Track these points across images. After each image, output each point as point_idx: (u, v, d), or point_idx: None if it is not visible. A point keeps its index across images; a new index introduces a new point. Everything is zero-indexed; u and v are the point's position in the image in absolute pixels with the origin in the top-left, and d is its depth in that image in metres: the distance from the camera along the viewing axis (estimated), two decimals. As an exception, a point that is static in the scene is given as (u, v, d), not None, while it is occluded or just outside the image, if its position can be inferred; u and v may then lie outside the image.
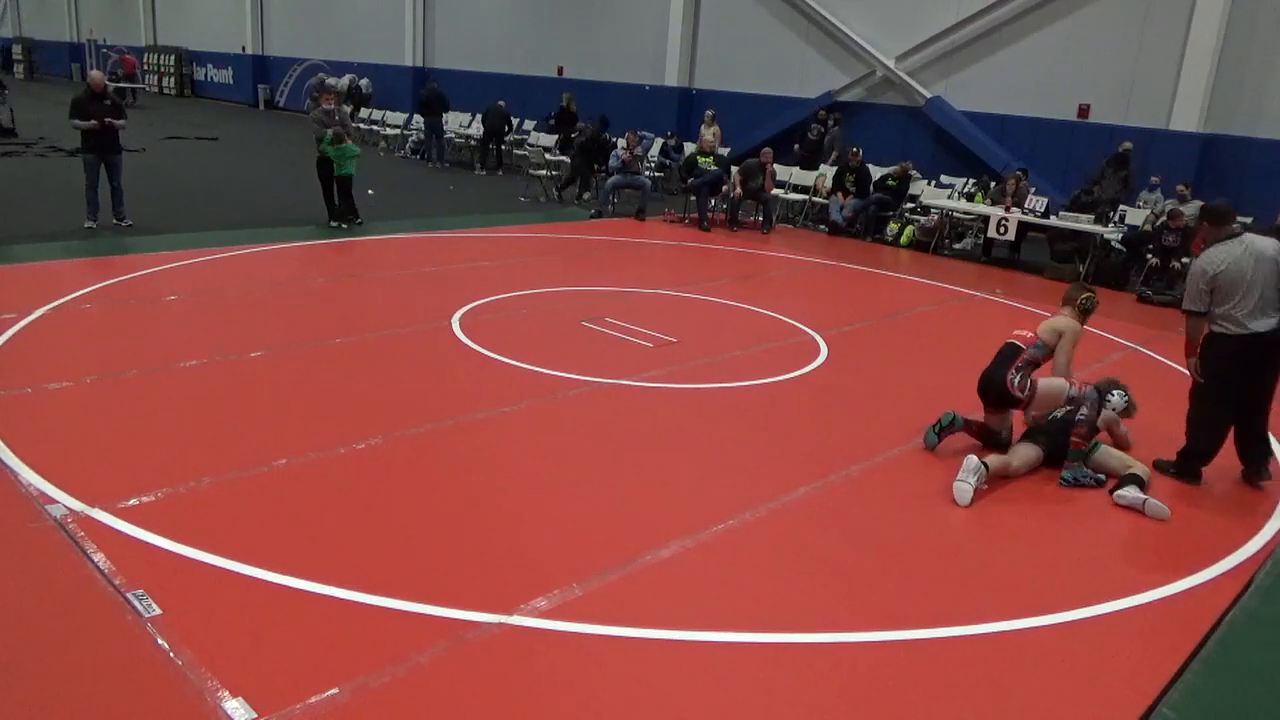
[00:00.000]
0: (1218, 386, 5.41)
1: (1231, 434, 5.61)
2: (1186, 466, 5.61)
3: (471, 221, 12.84)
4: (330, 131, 11.18)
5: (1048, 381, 5.55)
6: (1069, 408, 5.52)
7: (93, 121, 10.10)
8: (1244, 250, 5.30)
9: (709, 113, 16.91)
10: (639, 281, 9.82)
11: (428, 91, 19.14)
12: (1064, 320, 5.73)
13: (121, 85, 27.61)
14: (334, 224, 11.47)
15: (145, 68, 34.73)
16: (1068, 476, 5.42)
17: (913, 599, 4.02)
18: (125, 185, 10.67)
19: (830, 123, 16.50)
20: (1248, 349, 5.26)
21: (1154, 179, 13.24)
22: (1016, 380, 5.50)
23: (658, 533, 4.39)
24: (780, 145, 16.36)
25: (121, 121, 10.40)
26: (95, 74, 10.70)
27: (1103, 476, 5.45)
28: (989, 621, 3.87)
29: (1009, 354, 5.61)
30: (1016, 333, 5.74)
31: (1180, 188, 12.18)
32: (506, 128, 18.74)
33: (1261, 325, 5.21)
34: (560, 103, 19.43)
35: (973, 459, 5.12)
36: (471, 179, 17.62)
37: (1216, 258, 5.29)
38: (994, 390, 5.59)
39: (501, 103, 18.64)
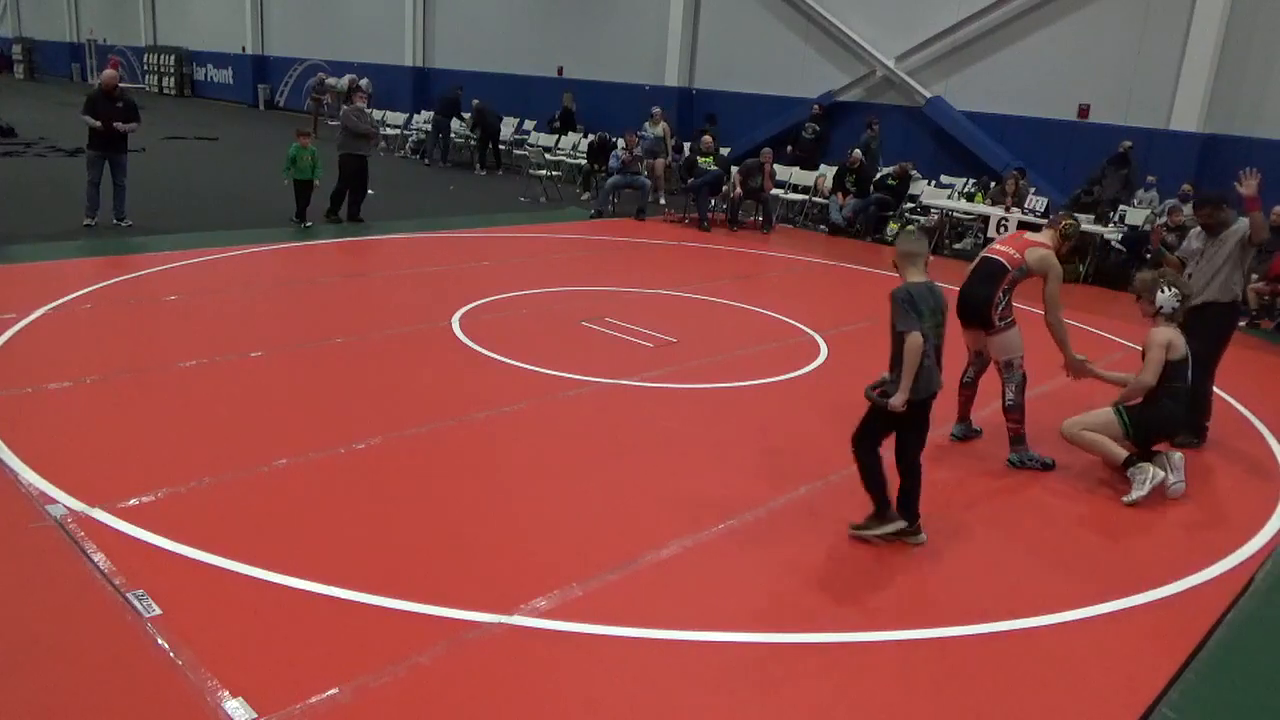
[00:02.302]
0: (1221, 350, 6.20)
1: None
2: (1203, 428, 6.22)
3: (471, 221, 12.84)
4: (298, 144, 11.17)
5: (1016, 334, 5.55)
6: (1006, 375, 5.56)
7: (98, 121, 10.12)
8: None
9: (655, 110, 16.74)
10: (639, 281, 9.81)
11: (450, 93, 19.31)
12: (1049, 254, 5.52)
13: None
14: (305, 224, 11.43)
15: (145, 68, 34.73)
16: (1014, 459, 5.58)
17: (913, 599, 4.02)
18: (132, 185, 10.71)
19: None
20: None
21: (1150, 178, 13.23)
22: (1001, 306, 5.46)
23: (658, 533, 4.39)
24: (780, 145, 16.35)
25: (131, 125, 10.37)
26: (108, 73, 10.74)
27: (1051, 460, 5.56)
28: (989, 621, 3.88)
29: (994, 272, 5.48)
30: (998, 249, 5.60)
31: (1185, 187, 12.17)
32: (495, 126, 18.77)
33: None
34: (563, 103, 19.47)
35: (1176, 455, 5.31)
36: (471, 179, 17.62)
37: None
38: (972, 307, 5.52)
39: (475, 100, 18.64)
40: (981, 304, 5.47)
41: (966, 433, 5.98)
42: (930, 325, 4.26)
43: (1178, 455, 5.34)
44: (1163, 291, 5.25)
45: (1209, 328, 6.05)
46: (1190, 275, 6.13)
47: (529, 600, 3.74)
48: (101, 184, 10.47)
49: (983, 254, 5.69)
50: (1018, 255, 5.51)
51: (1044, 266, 5.50)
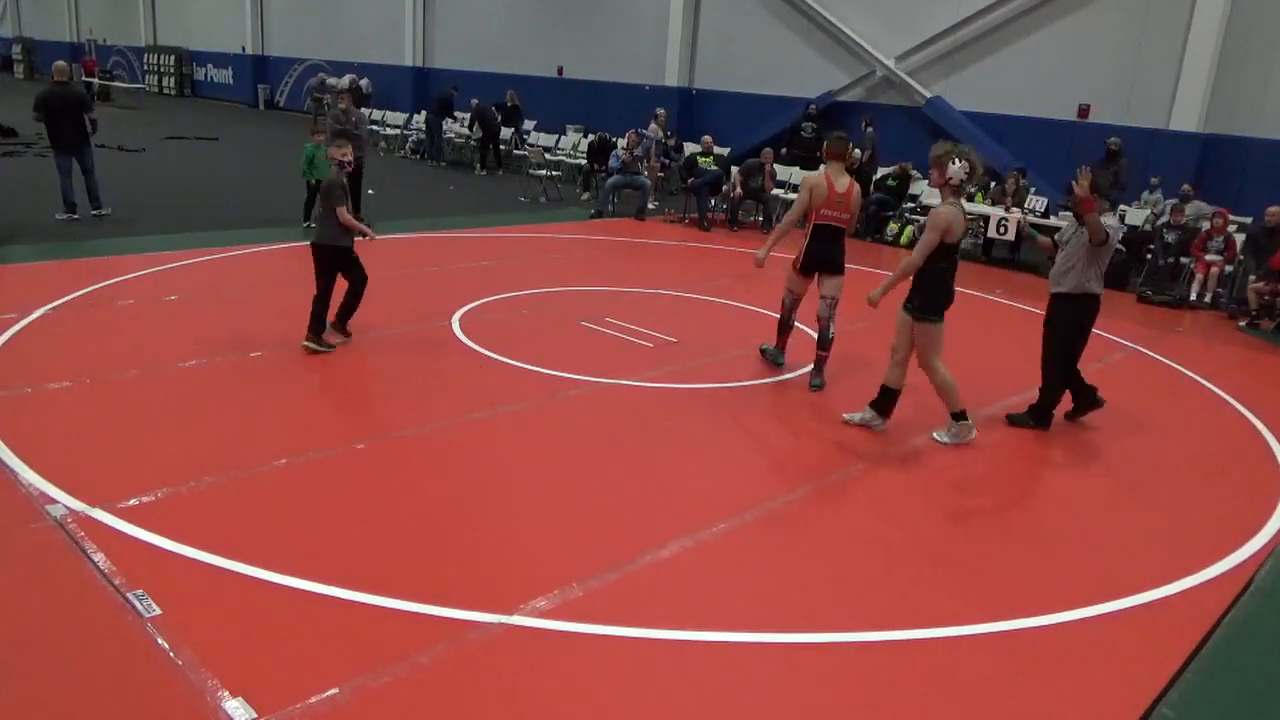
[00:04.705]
0: (1076, 338, 6.20)
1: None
2: (1048, 414, 6.28)
3: (471, 221, 12.84)
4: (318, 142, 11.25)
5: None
6: (833, 304, 6.75)
7: None
8: (1114, 222, 6.18)
9: (660, 111, 16.70)
10: (639, 281, 9.81)
11: (444, 92, 19.43)
12: (855, 188, 6.55)
13: (88, 81, 27.87)
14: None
15: (145, 68, 34.73)
16: (823, 348, 6.82)
17: (913, 599, 4.02)
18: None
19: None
20: (1096, 307, 6.12)
21: (1154, 180, 13.22)
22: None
23: (658, 533, 4.39)
24: (780, 145, 16.33)
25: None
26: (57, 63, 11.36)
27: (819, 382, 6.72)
28: (989, 621, 3.88)
29: (839, 234, 6.61)
30: (831, 215, 6.49)
31: (1186, 187, 12.17)
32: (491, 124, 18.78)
33: (1102, 288, 6.13)
34: (506, 100, 19.32)
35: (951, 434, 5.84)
36: (471, 179, 17.62)
37: (1110, 221, 6.02)
38: (835, 264, 6.65)
39: (475, 100, 18.66)
40: (838, 262, 6.67)
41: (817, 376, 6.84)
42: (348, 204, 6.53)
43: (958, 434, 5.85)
44: (954, 163, 5.60)
45: (1064, 320, 6.12)
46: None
47: (529, 600, 3.74)
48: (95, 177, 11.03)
49: (818, 222, 6.56)
50: (848, 216, 6.57)
51: (858, 203, 6.66)
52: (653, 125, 15.95)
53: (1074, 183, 5.89)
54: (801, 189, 6.66)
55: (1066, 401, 6.37)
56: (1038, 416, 6.24)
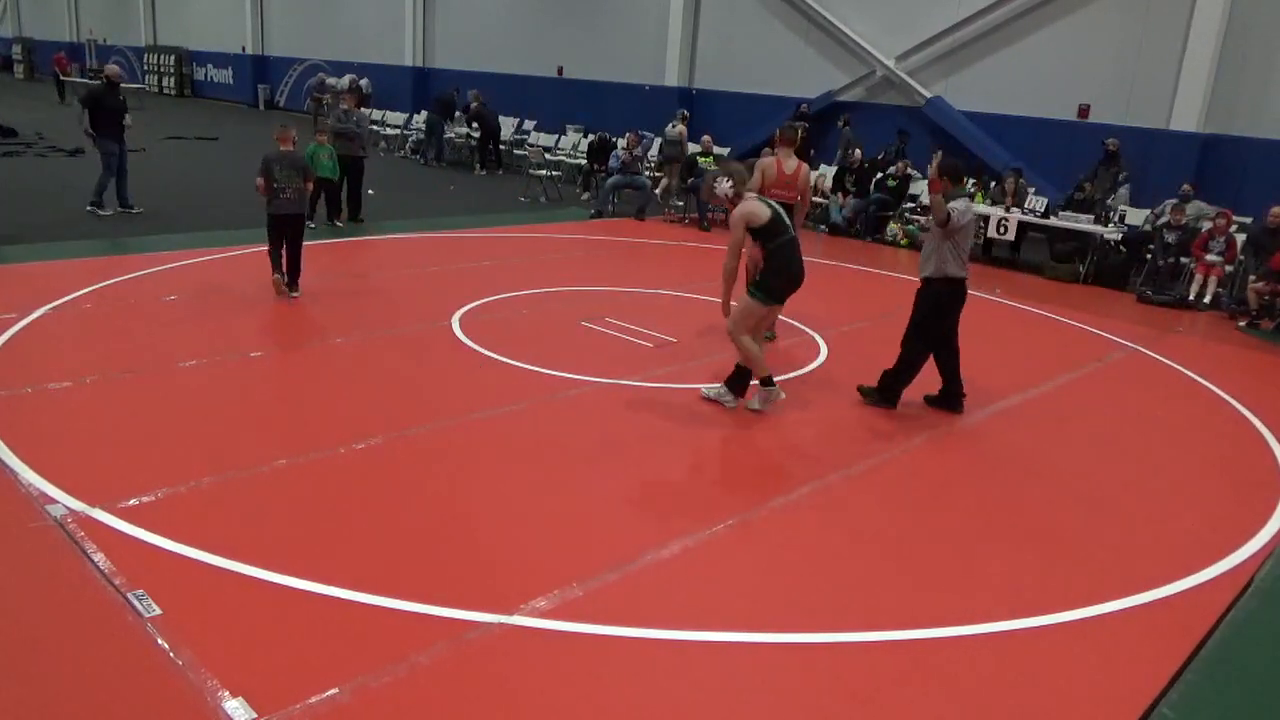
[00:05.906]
0: (932, 322, 6.25)
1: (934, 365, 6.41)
2: (893, 392, 6.39)
3: (471, 221, 12.84)
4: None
5: None
6: None
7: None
8: (968, 205, 6.13)
9: (681, 112, 16.66)
10: (639, 281, 9.81)
11: (445, 93, 19.56)
12: (802, 168, 7.02)
13: (67, 80, 27.82)
14: (329, 223, 11.52)
15: (145, 68, 34.74)
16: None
17: (913, 599, 4.02)
18: (133, 185, 11.35)
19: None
20: (956, 291, 6.17)
21: (1121, 175, 13.20)
22: None
23: (658, 533, 4.39)
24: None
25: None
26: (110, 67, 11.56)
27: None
28: (989, 621, 3.88)
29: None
30: (777, 191, 6.82)
31: (1186, 187, 12.16)
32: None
33: (963, 272, 6.18)
34: (470, 101, 18.98)
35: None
36: (471, 179, 17.62)
37: (959, 205, 6.07)
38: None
39: (474, 102, 18.63)
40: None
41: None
42: (282, 173, 7.60)
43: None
44: (720, 183, 6.04)
45: (926, 301, 6.23)
46: None
47: (529, 600, 3.74)
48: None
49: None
50: (795, 194, 7.20)
51: (807, 181, 7.30)
52: (679, 126, 15.76)
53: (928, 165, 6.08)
54: (755, 170, 7.12)
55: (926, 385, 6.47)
56: (884, 392, 6.42)
